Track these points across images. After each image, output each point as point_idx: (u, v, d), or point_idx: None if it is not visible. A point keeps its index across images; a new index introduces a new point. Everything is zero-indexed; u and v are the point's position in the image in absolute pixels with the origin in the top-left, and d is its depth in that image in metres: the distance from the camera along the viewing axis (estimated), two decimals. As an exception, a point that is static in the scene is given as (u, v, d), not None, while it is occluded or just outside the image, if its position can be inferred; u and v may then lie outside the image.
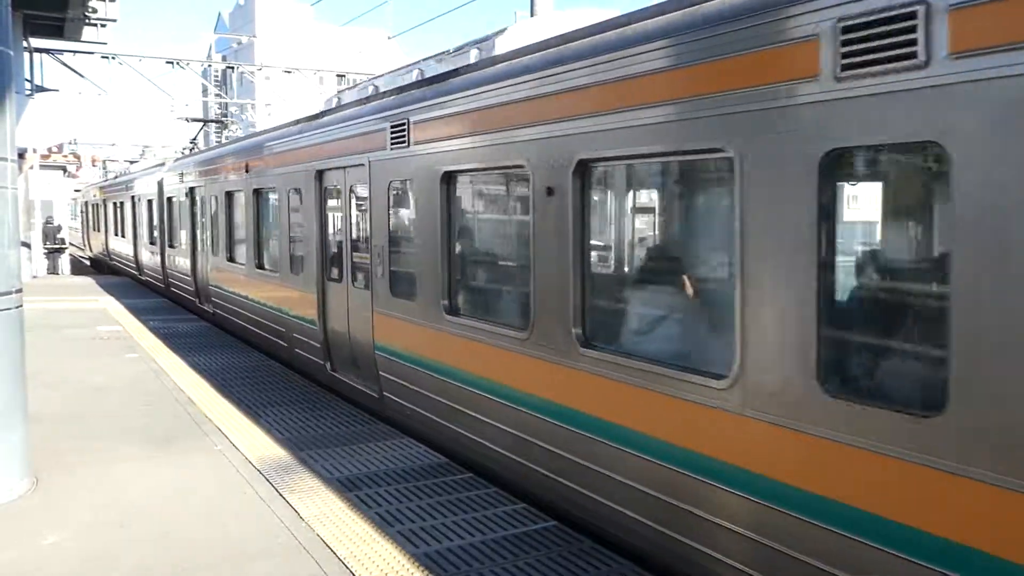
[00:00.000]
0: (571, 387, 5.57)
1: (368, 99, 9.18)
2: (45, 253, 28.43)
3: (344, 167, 9.21)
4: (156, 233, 21.28)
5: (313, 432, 7.99)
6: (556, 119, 5.56)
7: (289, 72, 32.23)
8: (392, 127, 7.87)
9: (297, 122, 11.38)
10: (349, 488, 6.36)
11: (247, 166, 12.98)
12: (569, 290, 5.50)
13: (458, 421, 7.04)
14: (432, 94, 7.29)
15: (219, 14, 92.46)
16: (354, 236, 9.30)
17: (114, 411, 8.70)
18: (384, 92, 8.87)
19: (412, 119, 7.51)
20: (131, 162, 45.48)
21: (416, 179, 7.56)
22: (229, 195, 14.33)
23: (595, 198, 5.80)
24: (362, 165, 8.60)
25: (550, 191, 5.61)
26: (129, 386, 9.89)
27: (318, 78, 34.95)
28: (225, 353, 12.40)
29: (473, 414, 6.76)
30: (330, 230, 10.02)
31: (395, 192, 8.24)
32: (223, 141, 23.11)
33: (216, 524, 5.63)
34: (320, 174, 9.89)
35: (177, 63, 29.37)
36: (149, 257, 22.68)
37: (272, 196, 12.04)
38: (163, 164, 22.26)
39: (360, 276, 9.07)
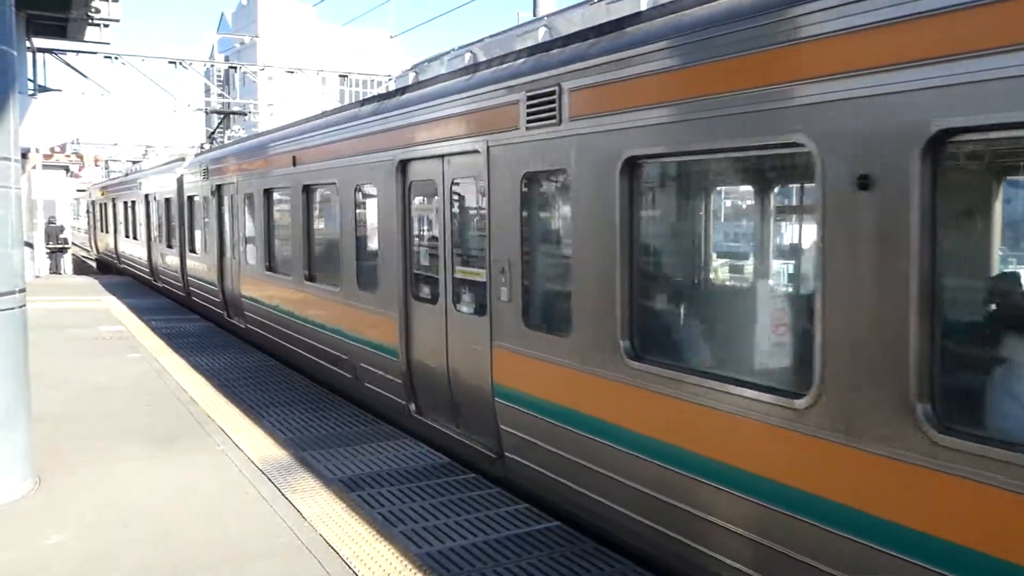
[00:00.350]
0: (913, 493, 3.46)
1: (476, 67, 7.03)
2: (48, 253, 28.49)
3: (443, 155, 7.18)
4: (175, 236, 19.20)
5: (316, 432, 7.99)
6: (890, 65, 3.45)
7: (292, 72, 32.25)
8: (531, 98, 5.85)
9: (366, 102, 9.31)
10: (352, 488, 6.35)
11: (295, 158, 10.82)
12: (906, 341, 3.44)
13: (653, 514, 4.91)
14: (604, 49, 5.22)
15: (222, 14, 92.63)
16: (458, 245, 7.26)
17: (116, 411, 8.71)
18: (506, 55, 6.71)
19: (567, 85, 5.47)
20: (134, 162, 45.57)
21: (575, 167, 5.47)
22: (269, 193, 12.27)
23: (978, 195, 3.77)
24: (475, 152, 6.59)
25: (864, 182, 3.64)
26: (131, 386, 9.90)
27: (320, 78, 34.99)
28: (228, 353, 12.40)
29: (692, 511, 4.60)
30: (418, 237, 7.98)
31: (534, 186, 6.18)
32: (226, 141, 23.00)
33: (218, 524, 5.62)
34: (404, 165, 7.84)
35: (180, 63, 29.39)
36: (166, 262, 20.70)
37: (331, 194, 9.94)
38: (183, 159, 20.34)
39: (468, 297, 7.06)
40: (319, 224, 10.76)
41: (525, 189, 6.11)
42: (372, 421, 8.42)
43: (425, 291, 7.76)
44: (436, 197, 7.45)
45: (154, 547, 5.23)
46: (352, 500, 6.08)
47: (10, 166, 6.19)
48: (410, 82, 8.80)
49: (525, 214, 6.16)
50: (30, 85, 24.52)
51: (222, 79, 47.38)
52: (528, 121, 5.90)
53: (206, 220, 16.15)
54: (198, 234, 17.13)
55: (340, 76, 37.12)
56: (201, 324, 15.77)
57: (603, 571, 4.94)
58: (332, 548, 5.20)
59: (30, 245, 24.18)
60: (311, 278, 10.59)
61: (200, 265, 16.88)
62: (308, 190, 10.60)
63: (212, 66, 41.82)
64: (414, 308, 7.86)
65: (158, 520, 5.68)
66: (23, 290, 6.35)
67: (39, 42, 25.41)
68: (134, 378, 10.36)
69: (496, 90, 6.33)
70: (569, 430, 5.61)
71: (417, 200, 7.93)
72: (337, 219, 9.53)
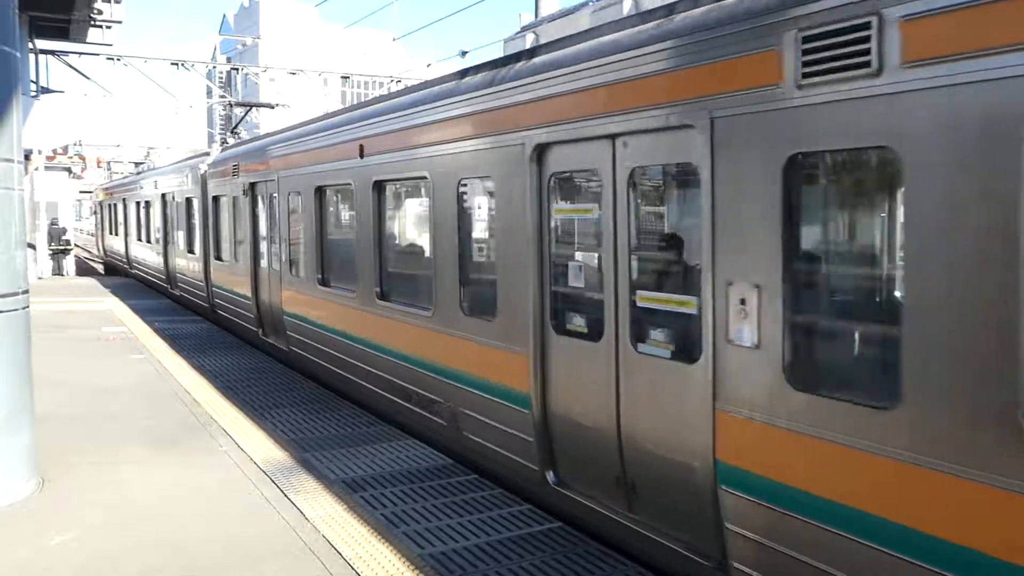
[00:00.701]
0: None
1: (672, 7, 5.05)
2: (50, 255, 28.53)
3: (614, 135, 5.30)
4: (197, 240, 17.20)
5: (319, 433, 8.00)
6: None
7: (294, 74, 32.30)
8: (809, 40, 3.94)
9: (467, 72, 7.35)
10: (354, 489, 6.36)
11: (363, 148, 8.89)
12: None
13: None
14: None
15: (224, 16, 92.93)
16: (640, 259, 5.41)
17: (119, 412, 8.72)
18: None
19: (897, 12, 3.54)
20: (136, 163, 45.66)
21: (912, 141, 3.53)
22: (321, 191, 10.33)
23: None
24: (683, 127, 4.72)
25: None
26: (134, 387, 9.92)
27: (323, 80, 35.05)
28: (230, 354, 12.42)
29: None
30: (563, 246, 6.08)
31: (807, 173, 4.30)
32: (228, 143, 22.92)
33: (221, 525, 5.64)
34: (542, 151, 5.99)
35: (182, 64, 29.43)
36: (186, 269, 18.74)
37: (418, 190, 8.23)
38: (207, 154, 18.26)
39: (660, 334, 5.17)
40: (397, 229, 8.97)
41: (791, 178, 4.16)
42: (373, 423, 8.42)
43: (576, 321, 5.88)
44: (600, 192, 5.54)
45: (157, 547, 5.24)
46: (354, 501, 6.09)
47: (12, 168, 6.21)
48: (529, 45, 7.18)
49: (790, 216, 4.18)
50: (32, 87, 24.58)
51: (224, 81, 47.41)
52: (804, 75, 3.99)
53: (236, 223, 14.24)
54: (226, 239, 15.14)
55: (342, 77, 37.18)
56: (203, 326, 15.78)
57: (604, 572, 4.94)
58: (335, 549, 5.21)
59: (32, 247, 24.24)
60: (385, 296, 8.62)
61: (228, 274, 14.91)
62: (381, 187, 8.64)
63: (214, 67, 41.82)
64: (556, 343, 5.99)
65: (161, 521, 5.69)
66: (26, 291, 6.37)
67: (42, 44, 25.50)
68: (137, 379, 10.38)
69: (729, 35, 4.40)
70: (906, 561, 3.61)
71: (561, 200, 6.10)
72: (428, 223, 7.61)
